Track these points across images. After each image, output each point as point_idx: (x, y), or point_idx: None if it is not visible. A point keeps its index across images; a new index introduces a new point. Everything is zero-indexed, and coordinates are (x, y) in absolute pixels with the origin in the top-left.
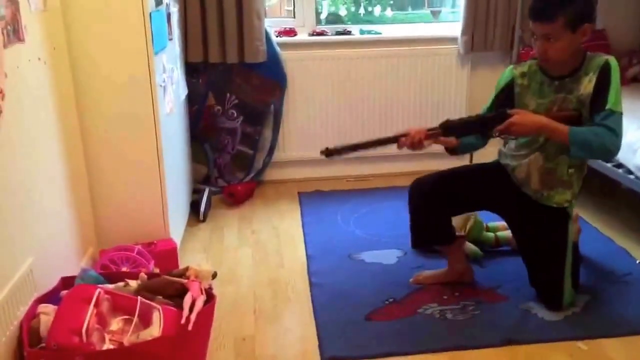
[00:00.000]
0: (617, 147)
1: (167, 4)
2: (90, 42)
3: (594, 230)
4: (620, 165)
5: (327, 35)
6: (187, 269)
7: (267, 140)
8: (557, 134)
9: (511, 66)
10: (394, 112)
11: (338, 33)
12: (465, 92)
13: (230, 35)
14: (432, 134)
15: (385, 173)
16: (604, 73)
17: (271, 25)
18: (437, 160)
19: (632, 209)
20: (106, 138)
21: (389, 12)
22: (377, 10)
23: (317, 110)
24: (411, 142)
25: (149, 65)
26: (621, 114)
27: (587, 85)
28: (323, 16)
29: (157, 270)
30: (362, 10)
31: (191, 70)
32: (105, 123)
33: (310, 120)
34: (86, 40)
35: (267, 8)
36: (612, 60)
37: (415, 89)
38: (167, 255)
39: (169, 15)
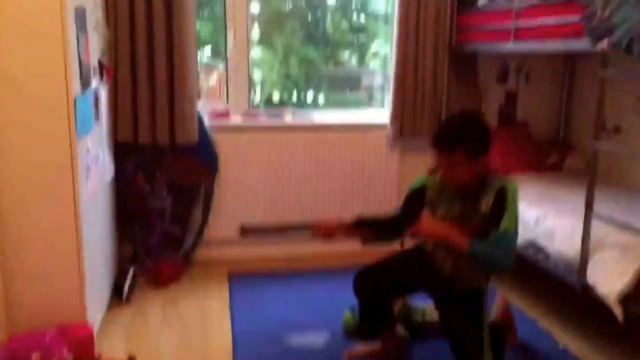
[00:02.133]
0: (509, 266)
1: (95, 87)
2: (11, 128)
3: (520, 313)
4: (539, 250)
5: (260, 118)
6: (99, 357)
7: (197, 220)
8: (457, 244)
9: (424, 176)
10: (326, 195)
11: (271, 117)
12: (396, 176)
13: (161, 116)
14: (344, 228)
15: (317, 253)
16: (500, 196)
17: (204, 108)
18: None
19: (553, 292)
20: (24, 219)
21: (321, 99)
22: (309, 95)
23: (249, 191)
24: (324, 233)
25: (71, 149)
26: (516, 232)
27: (486, 204)
28: (257, 100)
29: (70, 357)
30: (294, 97)
31: (120, 149)
32: (24, 205)
33: (242, 201)
34: (8, 127)
35: (206, 89)
36: (510, 184)
37: (346, 173)
38: (82, 341)
39: (96, 98)
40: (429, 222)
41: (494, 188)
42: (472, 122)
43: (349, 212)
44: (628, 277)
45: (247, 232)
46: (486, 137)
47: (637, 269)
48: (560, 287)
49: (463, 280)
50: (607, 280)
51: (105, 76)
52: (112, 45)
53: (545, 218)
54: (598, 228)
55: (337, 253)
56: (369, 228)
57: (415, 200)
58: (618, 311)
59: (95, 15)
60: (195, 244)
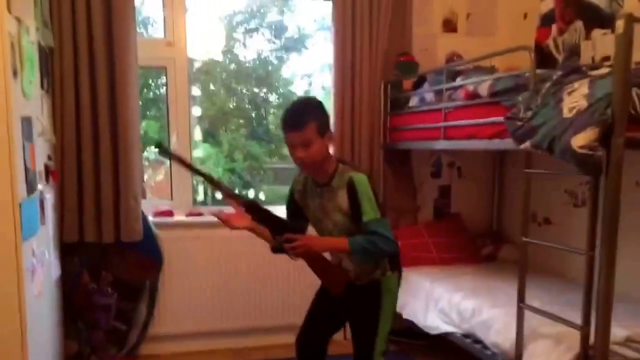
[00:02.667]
0: (393, 247)
1: (40, 191)
2: None
3: None
4: (478, 341)
5: (203, 216)
6: None
7: (142, 315)
8: (339, 248)
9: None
10: (268, 289)
11: (214, 214)
12: None
13: (106, 216)
14: (235, 199)
15: (263, 345)
16: (351, 189)
17: (148, 206)
18: None
19: None
20: None
21: (262, 195)
22: (251, 193)
23: (194, 286)
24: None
25: (16, 253)
26: (382, 217)
27: (342, 199)
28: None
29: None
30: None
31: (66, 248)
32: None
33: (186, 295)
34: None
35: (153, 184)
36: (356, 176)
37: (290, 268)
38: None
39: (42, 201)
40: (307, 240)
41: (344, 180)
42: (314, 102)
43: (294, 307)
44: None
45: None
46: (327, 116)
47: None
48: None
49: (363, 277)
50: None
51: (51, 180)
52: (59, 150)
53: (480, 310)
54: (532, 319)
55: (282, 345)
56: (256, 214)
57: (292, 205)
58: None
59: (41, 123)
60: (140, 340)
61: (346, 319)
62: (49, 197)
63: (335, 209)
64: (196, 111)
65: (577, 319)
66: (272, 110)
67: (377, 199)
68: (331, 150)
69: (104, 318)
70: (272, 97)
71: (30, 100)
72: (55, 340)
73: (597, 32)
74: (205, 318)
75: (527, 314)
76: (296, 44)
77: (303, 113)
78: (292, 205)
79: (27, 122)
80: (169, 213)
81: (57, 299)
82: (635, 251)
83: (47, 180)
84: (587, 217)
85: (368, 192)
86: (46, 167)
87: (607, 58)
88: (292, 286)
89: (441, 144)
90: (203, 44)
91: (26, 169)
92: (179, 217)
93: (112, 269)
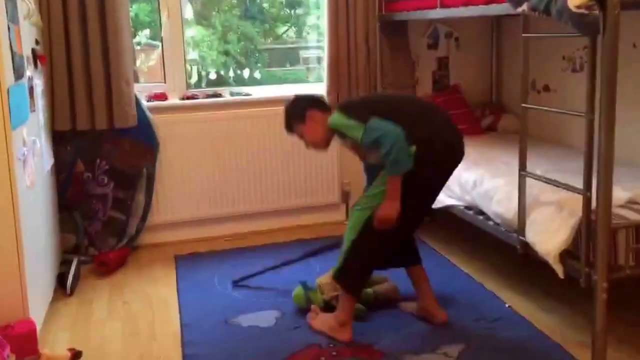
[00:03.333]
0: (396, 131)
1: (29, 77)
2: None
3: (466, 276)
4: (481, 212)
5: (198, 98)
6: (39, 356)
7: (140, 204)
8: (396, 187)
9: None
10: (266, 171)
11: (209, 96)
12: (336, 151)
13: (98, 102)
14: None
15: (264, 229)
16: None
17: (141, 90)
18: (316, 214)
19: (497, 253)
20: None
21: (257, 74)
22: (245, 72)
23: (191, 172)
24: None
25: (6, 141)
26: (366, 122)
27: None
28: (195, 80)
29: (13, 357)
30: (231, 73)
31: (58, 137)
32: None
33: (184, 182)
34: None
35: (145, 69)
36: (330, 122)
37: (287, 148)
38: (25, 338)
39: (31, 88)
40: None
41: None
42: (289, 104)
43: (291, 186)
44: (565, 233)
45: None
46: (300, 105)
47: (573, 225)
48: (503, 248)
49: None
50: (545, 239)
51: (39, 65)
52: (46, 34)
53: (482, 181)
54: (533, 187)
55: (282, 228)
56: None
57: None
58: (558, 268)
59: (26, 4)
60: (139, 229)
61: None
62: (38, 84)
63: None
64: None
65: (579, 185)
66: None
67: (354, 109)
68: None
69: (101, 208)
70: None
71: None
72: (50, 232)
73: None
74: (204, 204)
75: (529, 182)
76: None
77: (287, 122)
78: None
79: (11, 2)
80: (163, 96)
81: (51, 189)
82: (633, 115)
83: (35, 65)
84: (585, 82)
85: (344, 123)
86: (34, 52)
87: None
88: (292, 168)
89: (438, 13)
90: None
91: (12, 53)
92: (174, 100)
93: (107, 157)
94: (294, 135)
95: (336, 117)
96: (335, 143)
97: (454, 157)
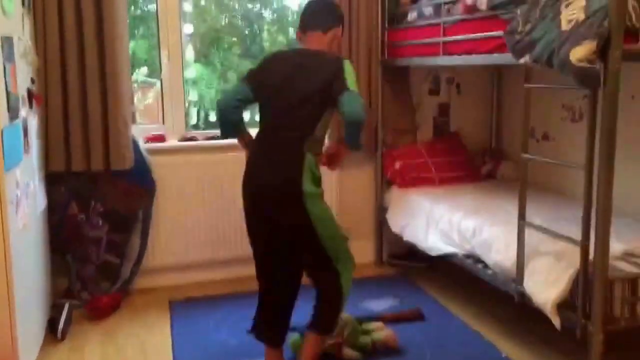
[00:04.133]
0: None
1: (23, 117)
2: None
3: (463, 325)
4: (479, 261)
5: (197, 140)
6: None
7: (135, 247)
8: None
9: None
10: None
11: (208, 138)
12: (336, 192)
13: (94, 143)
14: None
15: None
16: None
17: (139, 131)
18: None
19: (495, 302)
20: None
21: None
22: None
23: (188, 214)
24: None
25: None
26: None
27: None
28: (194, 120)
29: None
30: None
31: (52, 178)
32: None
33: (181, 225)
34: None
35: (142, 107)
36: (346, 62)
37: None
38: None
39: (25, 127)
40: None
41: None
42: (332, 4)
43: None
44: (563, 284)
45: None
46: (339, 11)
47: (571, 276)
48: (501, 297)
49: None
50: (543, 289)
51: (34, 105)
52: (42, 73)
53: (481, 229)
54: (532, 236)
55: None
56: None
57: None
58: (555, 319)
59: (23, 43)
60: (133, 273)
61: None
62: (33, 124)
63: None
64: (188, 29)
65: (577, 235)
66: (266, 27)
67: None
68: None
69: (95, 251)
70: (267, 13)
71: (11, 18)
72: (43, 276)
73: None
74: (201, 248)
75: (528, 231)
76: None
77: (325, 19)
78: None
79: (7, 42)
80: (161, 138)
81: (44, 232)
82: (631, 166)
83: (30, 105)
84: (584, 132)
85: (352, 71)
86: (29, 92)
87: None
88: None
89: (441, 60)
90: None
91: (7, 93)
92: (172, 142)
93: (102, 199)
94: (316, 34)
95: (348, 64)
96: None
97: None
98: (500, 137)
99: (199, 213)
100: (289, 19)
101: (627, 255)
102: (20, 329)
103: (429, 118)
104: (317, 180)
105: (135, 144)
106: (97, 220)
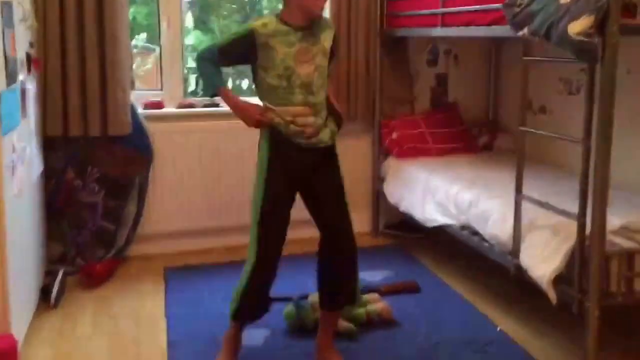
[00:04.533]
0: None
1: (22, 81)
2: None
3: (459, 297)
4: (476, 233)
5: (195, 107)
6: None
7: (131, 214)
8: None
9: (249, 23)
10: None
11: (206, 105)
12: None
13: (92, 108)
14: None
15: None
16: (335, 38)
17: (137, 97)
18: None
19: (490, 274)
20: None
21: None
22: (244, 83)
23: (185, 182)
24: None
25: None
26: None
27: (326, 39)
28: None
29: None
30: (230, 84)
31: (49, 143)
32: None
33: (178, 192)
34: None
35: (142, 73)
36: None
37: None
38: (5, 355)
39: (23, 91)
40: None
41: (327, 25)
42: None
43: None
44: (559, 258)
45: None
46: None
47: (568, 250)
48: (497, 270)
49: (323, 136)
50: (539, 263)
51: (33, 69)
52: (41, 37)
53: (478, 201)
54: (529, 210)
55: None
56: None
57: (241, 48)
58: (551, 293)
59: (22, 8)
60: (129, 240)
61: None
62: (31, 88)
63: (313, 52)
64: None
65: (574, 209)
66: None
67: None
68: None
69: (91, 217)
70: None
71: None
72: (37, 242)
73: None
74: (197, 215)
75: (524, 205)
76: None
77: None
78: (239, 48)
79: (7, 6)
80: (159, 104)
81: (40, 197)
82: (628, 140)
83: (28, 69)
84: (581, 105)
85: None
86: (28, 56)
87: None
88: None
89: (439, 31)
90: None
91: (6, 57)
92: (170, 109)
93: (99, 164)
94: None
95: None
96: None
97: None
98: (497, 109)
99: (196, 180)
100: None
101: (624, 230)
102: (13, 298)
103: (426, 89)
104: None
105: (133, 110)
106: (94, 186)
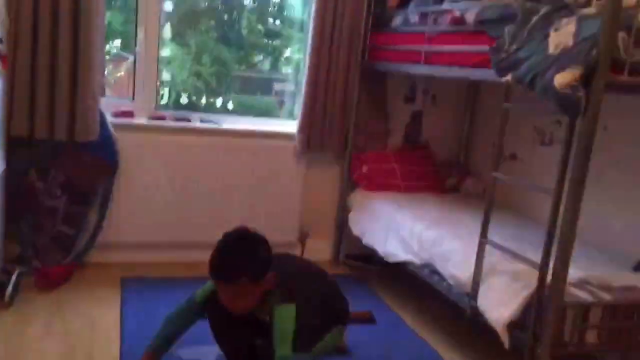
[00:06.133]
0: None
1: None
2: None
3: (412, 333)
4: (435, 272)
5: (166, 120)
6: None
7: (92, 222)
8: None
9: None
10: (229, 202)
11: (178, 120)
12: (301, 188)
13: (60, 111)
14: None
15: None
16: (272, 319)
17: (107, 105)
18: None
19: (446, 314)
20: None
21: (230, 105)
22: (218, 101)
23: (151, 194)
24: None
25: None
26: (295, 353)
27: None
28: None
29: None
30: (203, 100)
31: (13, 143)
32: None
33: (143, 203)
34: None
35: (112, 81)
36: (278, 309)
37: (251, 181)
38: None
39: None
40: None
41: (269, 307)
42: (250, 244)
43: (251, 221)
44: (516, 304)
45: None
46: (267, 254)
47: (526, 297)
48: (453, 309)
49: None
50: (496, 307)
51: (0, 66)
52: (12, 34)
53: (441, 241)
54: (491, 254)
55: None
56: None
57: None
58: (505, 338)
59: None
60: (88, 246)
61: None
62: None
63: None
64: (168, 6)
65: (535, 257)
66: (246, 15)
67: (305, 330)
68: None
69: (50, 221)
70: (247, 1)
71: None
72: None
73: None
74: (160, 228)
75: (487, 249)
76: None
77: (233, 266)
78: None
79: None
80: (130, 114)
81: None
82: (595, 196)
83: None
84: (553, 156)
85: (285, 322)
86: None
87: None
88: (254, 202)
89: (421, 69)
90: None
91: None
92: (141, 120)
93: (63, 169)
94: (228, 286)
95: (288, 313)
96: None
97: None
98: (469, 152)
99: (162, 193)
100: (269, 9)
101: (582, 282)
102: None
103: (401, 125)
104: None
105: (102, 117)
106: (56, 191)
